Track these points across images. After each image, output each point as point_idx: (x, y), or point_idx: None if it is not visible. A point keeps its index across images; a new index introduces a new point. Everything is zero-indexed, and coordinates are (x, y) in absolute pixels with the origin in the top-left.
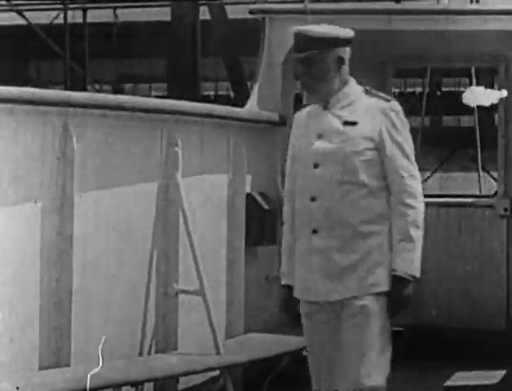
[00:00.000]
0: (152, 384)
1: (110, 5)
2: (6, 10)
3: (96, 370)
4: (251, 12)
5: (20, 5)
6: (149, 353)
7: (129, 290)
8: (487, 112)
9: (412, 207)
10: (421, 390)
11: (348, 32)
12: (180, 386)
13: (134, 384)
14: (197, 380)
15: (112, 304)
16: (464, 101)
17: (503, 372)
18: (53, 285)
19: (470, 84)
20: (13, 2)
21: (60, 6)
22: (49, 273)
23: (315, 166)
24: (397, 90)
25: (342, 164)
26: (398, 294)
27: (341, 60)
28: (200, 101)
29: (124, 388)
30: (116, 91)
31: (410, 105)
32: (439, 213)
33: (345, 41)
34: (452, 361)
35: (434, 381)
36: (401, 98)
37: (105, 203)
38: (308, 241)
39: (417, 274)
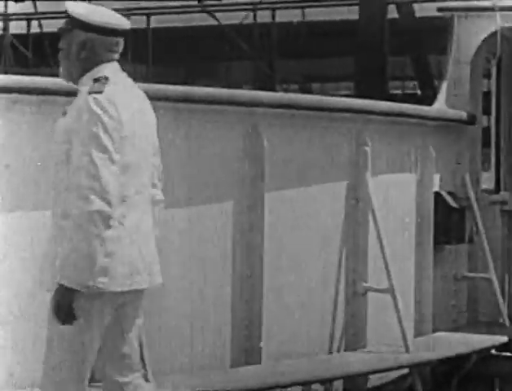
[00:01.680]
0: (341, 381)
1: (299, 4)
2: (197, 12)
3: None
4: (439, 10)
5: (211, 5)
6: (338, 351)
7: (319, 288)
8: None
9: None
10: None
11: (111, 22)
12: (370, 384)
13: (323, 381)
14: (386, 378)
15: (302, 302)
16: None
17: None
18: (244, 282)
19: None
20: (204, 3)
21: (249, 6)
22: (241, 270)
23: None
24: None
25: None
26: (54, 298)
27: (81, 45)
28: (388, 100)
29: (313, 385)
30: (303, 91)
31: None
32: None
33: (97, 29)
34: None
35: None
36: None
37: (294, 201)
38: None
39: (62, 280)
